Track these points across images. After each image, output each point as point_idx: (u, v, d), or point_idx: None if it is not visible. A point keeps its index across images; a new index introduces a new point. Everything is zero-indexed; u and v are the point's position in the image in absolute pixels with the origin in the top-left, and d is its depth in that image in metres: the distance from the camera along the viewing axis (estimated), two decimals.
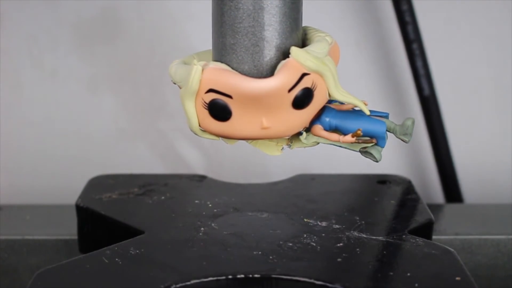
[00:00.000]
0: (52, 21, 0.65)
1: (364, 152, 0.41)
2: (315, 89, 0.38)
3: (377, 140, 0.41)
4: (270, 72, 0.38)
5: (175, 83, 0.40)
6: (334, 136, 0.40)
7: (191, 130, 0.40)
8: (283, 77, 0.37)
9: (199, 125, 0.39)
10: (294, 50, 0.37)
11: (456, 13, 0.66)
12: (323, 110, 0.40)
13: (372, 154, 0.41)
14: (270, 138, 0.41)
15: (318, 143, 0.42)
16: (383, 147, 0.42)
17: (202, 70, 0.37)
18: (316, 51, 0.38)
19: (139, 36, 0.65)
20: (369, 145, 0.41)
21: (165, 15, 0.65)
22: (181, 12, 0.65)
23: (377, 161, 0.41)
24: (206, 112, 0.38)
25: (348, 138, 0.40)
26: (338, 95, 0.39)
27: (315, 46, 0.38)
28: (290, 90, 0.37)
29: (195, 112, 0.39)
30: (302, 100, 0.38)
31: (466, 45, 0.66)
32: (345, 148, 0.42)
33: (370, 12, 0.66)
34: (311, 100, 0.38)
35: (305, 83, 0.37)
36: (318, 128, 0.40)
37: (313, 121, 0.40)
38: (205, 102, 0.38)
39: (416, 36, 0.62)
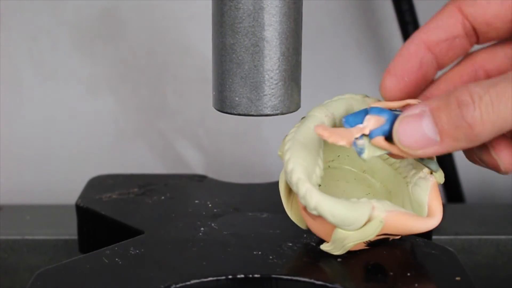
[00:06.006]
0: (52, 21, 0.65)
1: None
2: None
3: None
4: (271, 73, 0.38)
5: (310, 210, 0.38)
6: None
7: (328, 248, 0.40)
8: (441, 210, 0.40)
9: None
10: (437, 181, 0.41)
11: None
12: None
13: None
14: None
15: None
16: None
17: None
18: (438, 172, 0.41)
19: (139, 36, 0.65)
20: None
21: (165, 15, 0.65)
22: (181, 12, 0.65)
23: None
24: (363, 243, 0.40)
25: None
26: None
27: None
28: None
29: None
30: None
31: None
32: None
33: (370, 12, 0.66)
34: None
35: None
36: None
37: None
38: (370, 240, 0.39)
39: None
